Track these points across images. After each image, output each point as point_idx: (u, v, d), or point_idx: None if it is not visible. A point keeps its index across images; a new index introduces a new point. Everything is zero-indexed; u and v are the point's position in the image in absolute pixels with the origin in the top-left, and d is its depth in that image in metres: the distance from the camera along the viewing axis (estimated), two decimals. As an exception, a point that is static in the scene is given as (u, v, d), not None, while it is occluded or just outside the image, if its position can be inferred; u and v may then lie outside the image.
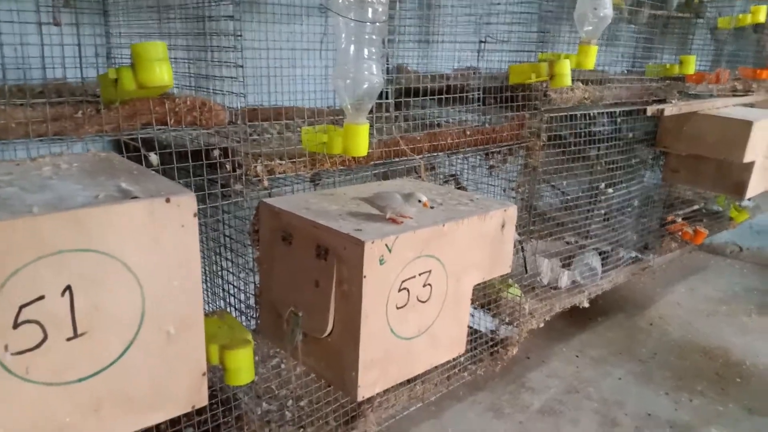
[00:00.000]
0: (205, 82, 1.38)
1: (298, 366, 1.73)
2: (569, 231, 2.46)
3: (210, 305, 1.64)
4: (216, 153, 1.32)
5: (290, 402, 1.70)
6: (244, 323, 1.45)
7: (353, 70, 1.26)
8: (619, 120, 2.47)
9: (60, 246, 0.81)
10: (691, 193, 3.23)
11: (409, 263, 1.25)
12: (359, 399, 1.27)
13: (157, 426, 1.34)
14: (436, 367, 1.88)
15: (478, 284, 1.47)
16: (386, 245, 1.18)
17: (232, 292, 1.57)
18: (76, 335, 0.84)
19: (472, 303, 1.49)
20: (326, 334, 1.27)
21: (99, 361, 0.88)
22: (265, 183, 1.38)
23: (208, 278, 1.64)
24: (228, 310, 1.55)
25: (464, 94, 1.87)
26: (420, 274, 1.29)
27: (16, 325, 0.79)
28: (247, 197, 1.39)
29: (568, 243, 2.50)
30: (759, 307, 3.15)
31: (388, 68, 1.99)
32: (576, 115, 2.18)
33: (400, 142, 1.61)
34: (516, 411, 2.18)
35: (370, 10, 1.21)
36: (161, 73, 1.07)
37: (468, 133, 1.79)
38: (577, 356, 2.59)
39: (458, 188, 1.96)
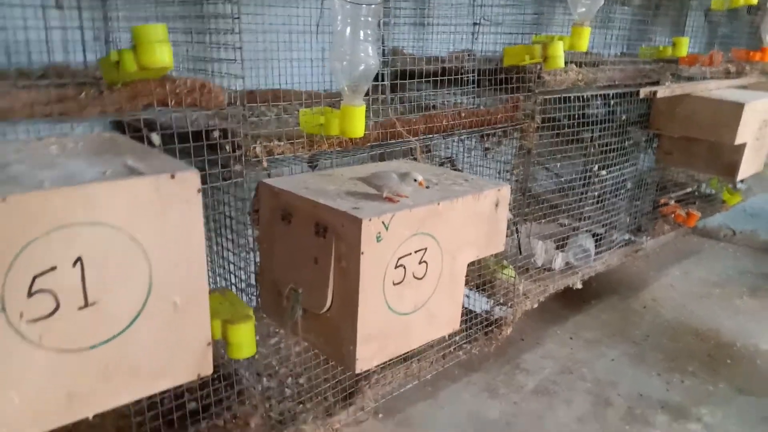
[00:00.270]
0: (203, 65, 1.41)
1: (297, 344, 1.77)
2: (563, 213, 2.49)
3: (212, 284, 1.67)
4: (216, 134, 1.35)
5: (289, 379, 1.75)
6: (244, 301, 1.48)
7: (349, 52, 1.29)
8: (612, 102, 2.49)
9: (71, 219, 0.84)
10: (684, 176, 3.26)
11: (405, 241, 1.28)
12: (358, 371, 1.31)
13: (161, 401, 1.39)
14: (431, 345, 1.93)
15: (473, 265, 1.51)
16: (383, 223, 1.22)
17: (232, 270, 1.60)
18: (86, 304, 0.88)
19: (467, 284, 1.53)
20: (325, 309, 1.31)
21: (109, 330, 0.92)
22: (265, 164, 1.42)
23: (209, 258, 1.68)
24: (229, 288, 1.59)
25: (459, 77, 1.89)
26: (416, 252, 1.33)
27: (30, 294, 0.83)
28: (247, 178, 1.42)
29: (561, 225, 2.53)
30: (751, 290, 3.19)
31: (383, 50, 2.01)
32: (569, 97, 2.20)
33: (396, 123, 1.64)
34: (511, 391, 2.22)
35: (366, -8, 1.24)
36: (162, 55, 1.09)
37: (463, 115, 1.82)
38: (571, 338, 2.63)
39: (454, 170, 1.99)
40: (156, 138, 1.22)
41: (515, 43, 1.93)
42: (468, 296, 2.13)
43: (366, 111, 1.38)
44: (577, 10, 1.79)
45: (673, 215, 3.00)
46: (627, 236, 2.87)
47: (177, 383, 1.03)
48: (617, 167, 2.55)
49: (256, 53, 1.83)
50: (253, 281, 1.56)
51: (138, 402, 1.23)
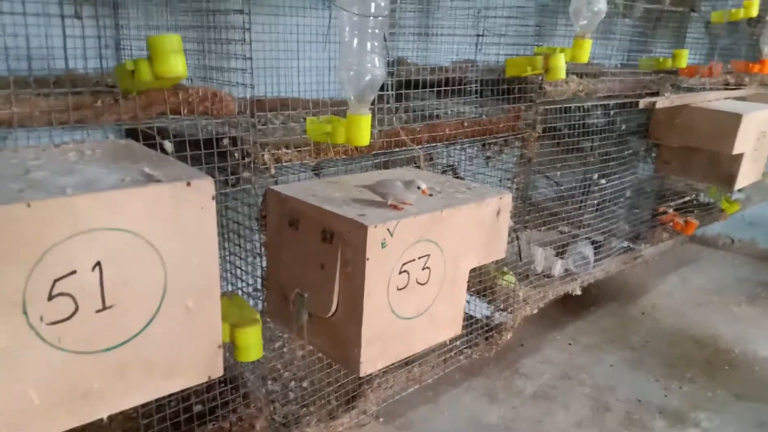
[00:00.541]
0: (214, 74, 1.44)
1: (301, 348, 1.80)
2: (563, 221, 2.52)
3: (220, 288, 1.69)
4: (225, 142, 1.38)
5: (293, 382, 1.77)
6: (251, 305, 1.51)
7: (356, 63, 1.32)
8: (612, 112, 2.53)
9: (92, 225, 0.87)
10: (682, 185, 3.29)
11: (409, 247, 1.31)
12: (362, 374, 1.34)
13: (169, 402, 1.42)
14: (433, 350, 1.96)
15: (474, 271, 1.54)
16: (388, 230, 1.25)
17: (240, 275, 1.63)
18: (104, 308, 0.91)
19: (468, 290, 1.55)
20: (331, 313, 1.34)
21: (125, 332, 0.95)
22: (272, 171, 1.45)
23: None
24: (236, 292, 1.62)
25: (462, 87, 1.93)
26: (419, 258, 1.36)
27: (50, 297, 0.86)
28: (255, 184, 1.45)
29: (561, 232, 2.56)
30: (750, 298, 3.21)
31: (389, 61, 2.04)
32: (570, 107, 2.23)
33: (400, 132, 1.67)
34: (510, 396, 2.25)
35: (372, 4, 1.26)
36: (177, 65, 1.12)
37: (466, 124, 1.85)
38: (570, 344, 2.65)
39: (456, 179, 2.02)
40: (169, 145, 1.26)
41: (517, 55, 1.97)
42: (469, 302, 2.15)
43: (371, 119, 1.41)
44: (578, 22, 1.82)
45: (671, 223, 3.03)
46: (626, 244, 2.90)
47: (189, 384, 1.06)
48: (617, 176, 2.58)
49: (264, 62, 1.86)
50: (259, 285, 1.59)
51: (145, 405, 1.26)
